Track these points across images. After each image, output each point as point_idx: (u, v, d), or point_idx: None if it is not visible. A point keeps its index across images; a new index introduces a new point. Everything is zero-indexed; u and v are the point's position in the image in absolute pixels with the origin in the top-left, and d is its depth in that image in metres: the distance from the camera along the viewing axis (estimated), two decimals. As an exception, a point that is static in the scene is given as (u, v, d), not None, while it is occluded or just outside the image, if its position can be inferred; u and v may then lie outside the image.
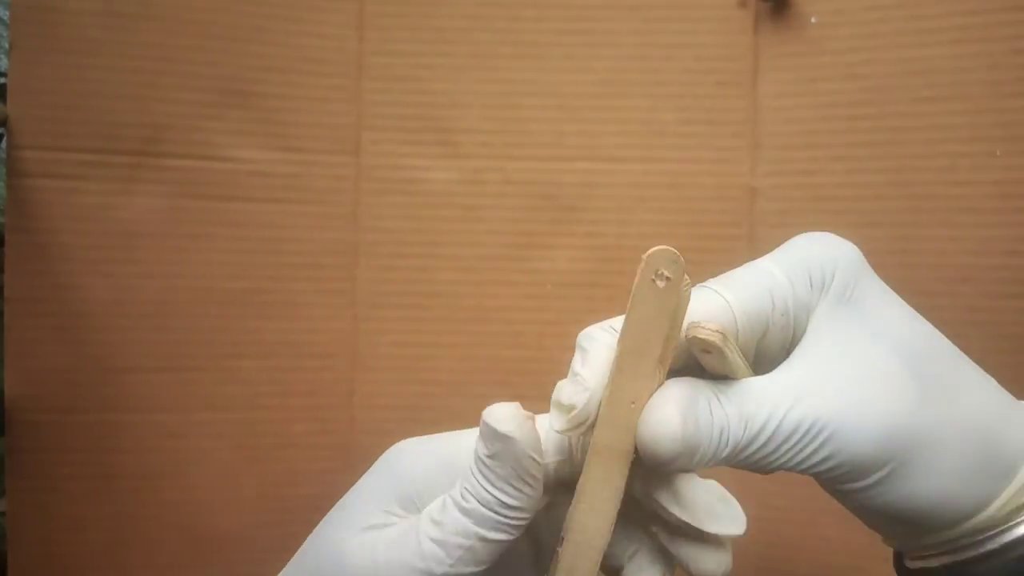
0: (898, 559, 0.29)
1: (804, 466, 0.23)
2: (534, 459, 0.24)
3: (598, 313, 0.27)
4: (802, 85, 0.51)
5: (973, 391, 0.25)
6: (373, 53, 0.53)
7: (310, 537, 0.28)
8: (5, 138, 0.50)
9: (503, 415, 0.24)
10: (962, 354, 0.26)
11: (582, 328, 0.27)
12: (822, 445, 0.23)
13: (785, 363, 0.25)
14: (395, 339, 0.53)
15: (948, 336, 0.29)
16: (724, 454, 0.23)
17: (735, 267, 0.28)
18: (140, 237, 0.51)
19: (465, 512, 0.24)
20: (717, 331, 0.23)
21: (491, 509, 0.24)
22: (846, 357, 0.24)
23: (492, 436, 0.24)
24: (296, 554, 0.28)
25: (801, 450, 0.23)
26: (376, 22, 0.53)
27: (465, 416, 0.30)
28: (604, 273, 0.52)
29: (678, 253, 0.24)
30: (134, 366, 0.51)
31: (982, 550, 0.25)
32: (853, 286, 0.26)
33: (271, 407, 0.52)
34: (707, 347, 0.24)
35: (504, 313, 0.52)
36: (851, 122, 0.50)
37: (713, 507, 0.25)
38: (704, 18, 0.52)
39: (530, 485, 0.24)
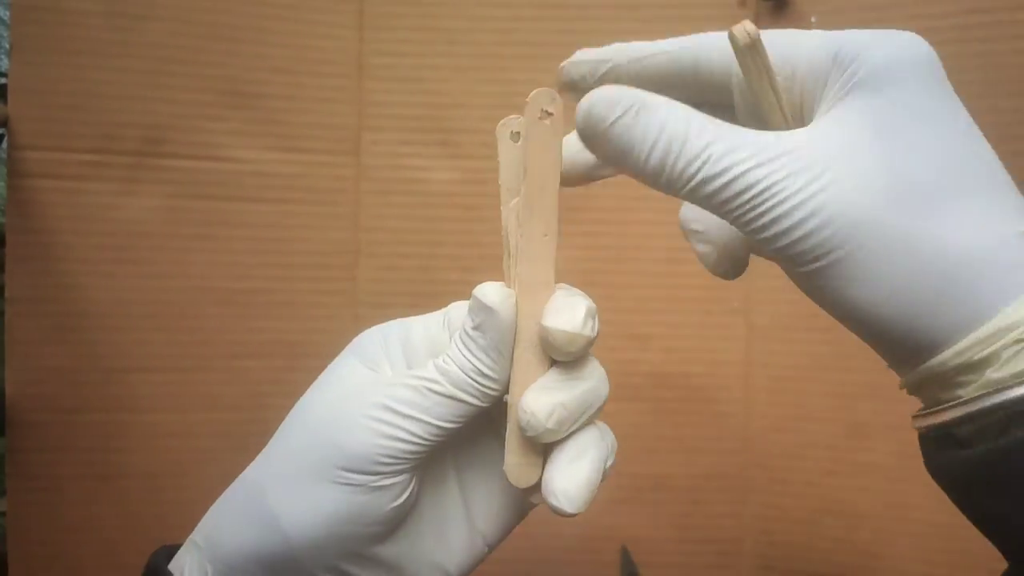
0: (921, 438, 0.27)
1: (750, 228, 0.23)
2: (511, 332, 0.26)
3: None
4: (802, 85, 0.51)
5: (973, 217, 0.23)
6: (374, 54, 0.53)
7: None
8: (6, 138, 0.50)
9: (491, 290, 0.26)
10: (1000, 185, 0.24)
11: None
12: (768, 210, 0.23)
13: (802, 131, 0.24)
14: (396, 339, 0.53)
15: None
16: (666, 172, 0.24)
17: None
18: (141, 237, 0.51)
19: (443, 372, 0.26)
20: (748, 31, 0.24)
21: (467, 374, 0.26)
22: (834, 143, 0.24)
23: (479, 308, 0.26)
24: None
25: (749, 210, 0.23)
26: (377, 23, 0.53)
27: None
28: (604, 273, 0.52)
29: (555, 91, 0.26)
30: (135, 366, 0.51)
31: (970, 410, 0.23)
32: (895, 81, 0.25)
33: (273, 407, 0.51)
34: (734, 44, 0.24)
35: (504, 313, 0.52)
36: (851, 122, 0.50)
37: (559, 310, 0.26)
38: (704, 18, 0.52)
39: (504, 357, 0.26)
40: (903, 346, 0.24)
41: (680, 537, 0.52)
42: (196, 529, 0.28)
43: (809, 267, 0.23)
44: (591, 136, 0.24)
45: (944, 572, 0.48)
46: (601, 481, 0.27)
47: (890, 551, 0.50)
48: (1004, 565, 0.24)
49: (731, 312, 0.52)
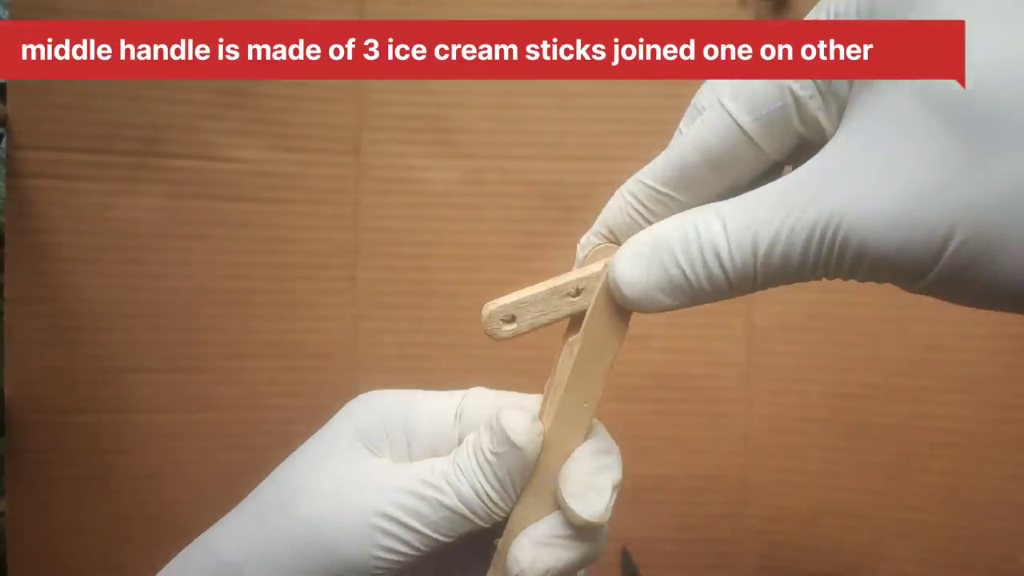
0: None
1: (841, 272, 0.20)
2: (531, 470, 0.25)
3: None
4: (802, 85, 0.51)
5: None
6: (373, 53, 0.53)
7: (268, 477, 0.28)
8: (5, 138, 0.50)
9: (520, 425, 0.24)
10: None
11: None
12: (844, 246, 0.19)
13: (810, 160, 0.21)
14: (395, 339, 0.52)
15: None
16: (736, 279, 0.22)
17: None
18: (140, 237, 0.51)
19: (453, 486, 0.24)
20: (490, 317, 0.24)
21: (478, 495, 0.24)
22: (881, 129, 0.19)
23: (504, 440, 0.24)
24: (253, 491, 0.28)
25: (829, 256, 0.20)
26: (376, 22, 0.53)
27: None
28: (604, 273, 0.52)
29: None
30: (134, 366, 0.51)
31: None
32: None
33: (271, 407, 0.52)
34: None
35: (504, 313, 0.52)
36: (851, 122, 0.50)
37: (585, 489, 0.24)
38: (704, 17, 0.52)
39: (516, 493, 0.25)
40: None
41: (680, 538, 0.52)
42: None
43: (932, 273, 0.19)
44: (645, 309, 0.23)
45: (944, 573, 0.48)
46: None
47: (890, 552, 0.49)
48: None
49: (732, 313, 0.52)
